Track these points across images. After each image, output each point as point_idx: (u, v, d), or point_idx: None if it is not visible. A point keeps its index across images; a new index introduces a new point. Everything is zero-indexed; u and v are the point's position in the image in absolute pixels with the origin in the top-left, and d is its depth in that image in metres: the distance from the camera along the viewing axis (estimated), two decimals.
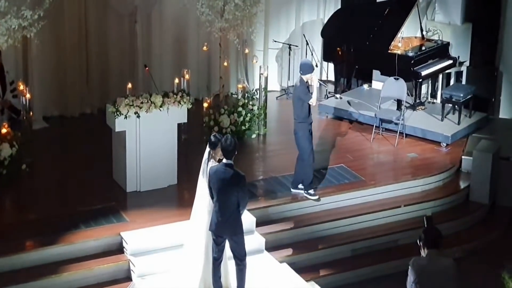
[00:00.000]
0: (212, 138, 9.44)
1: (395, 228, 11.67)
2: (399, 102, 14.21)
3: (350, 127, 14.19)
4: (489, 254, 11.74)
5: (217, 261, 9.42)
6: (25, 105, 11.96)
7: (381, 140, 13.76)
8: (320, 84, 11.31)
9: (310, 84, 11.29)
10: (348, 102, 14.56)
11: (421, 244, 7.51)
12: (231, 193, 9.11)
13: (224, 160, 9.17)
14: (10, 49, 12.15)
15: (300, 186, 11.72)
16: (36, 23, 11.58)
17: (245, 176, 9.21)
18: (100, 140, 12.52)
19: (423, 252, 7.51)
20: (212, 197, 9.30)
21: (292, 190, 11.75)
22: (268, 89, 14.06)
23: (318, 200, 11.64)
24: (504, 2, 14.70)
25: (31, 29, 11.60)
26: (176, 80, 12.84)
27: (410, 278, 7.48)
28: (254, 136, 13.64)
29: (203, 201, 9.52)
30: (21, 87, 12.06)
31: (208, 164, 9.38)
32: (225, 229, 9.25)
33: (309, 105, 11.32)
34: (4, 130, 11.70)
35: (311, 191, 11.66)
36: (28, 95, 11.93)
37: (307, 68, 11.35)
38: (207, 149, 9.44)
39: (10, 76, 12.72)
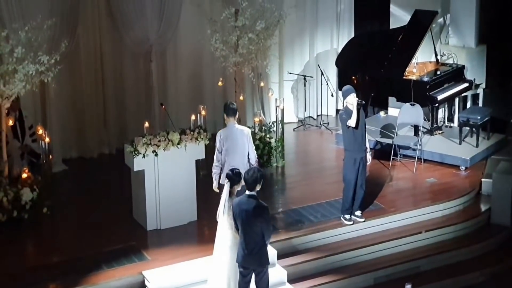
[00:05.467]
0: (230, 173, 9.50)
1: (417, 255, 11.63)
2: (416, 128, 14.22)
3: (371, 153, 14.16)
4: None
5: None
6: (45, 148, 12.10)
7: (399, 167, 13.76)
8: (359, 104, 11.33)
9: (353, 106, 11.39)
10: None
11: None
12: (254, 224, 9.18)
13: (247, 192, 9.25)
14: (28, 94, 12.28)
15: (358, 213, 11.85)
16: (53, 67, 11.72)
17: (268, 207, 9.28)
18: (119, 180, 12.66)
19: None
20: (237, 229, 9.36)
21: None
22: (285, 121, 14.12)
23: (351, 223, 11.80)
24: None
25: (48, 73, 11.71)
26: (193, 117, 12.92)
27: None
28: (274, 167, 13.69)
29: (224, 237, 9.58)
30: (40, 131, 12.21)
31: (228, 201, 9.42)
32: (251, 260, 9.31)
33: (357, 133, 11.42)
34: (24, 175, 11.85)
35: (347, 216, 11.77)
36: (47, 139, 12.06)
37: (344, 91, 11.54)
38: (226, 186, 9.49)
39: (29, 121, 12.87)
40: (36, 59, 11.51)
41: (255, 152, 11.07)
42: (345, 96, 11.49)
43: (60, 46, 11.99)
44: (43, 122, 13.44)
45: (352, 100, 11.37)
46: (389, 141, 14.06)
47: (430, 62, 15.04)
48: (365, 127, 11.74)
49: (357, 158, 11.57)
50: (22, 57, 11.38)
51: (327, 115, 16.52)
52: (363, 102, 11.63)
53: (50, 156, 12.36)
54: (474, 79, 14.91)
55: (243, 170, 10.10)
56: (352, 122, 11.35)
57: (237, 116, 10.97)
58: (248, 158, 10.90)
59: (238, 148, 10.77)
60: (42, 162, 12.24)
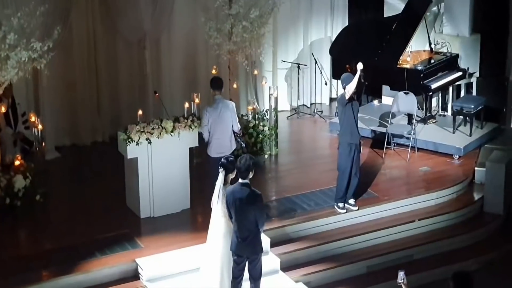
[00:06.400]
0: (225, 161, 9.48)
1: (410, 243, 11.65)
2: (410, 117, 14.22)
3: (361, 143, 14.16)
4: (506, 265, 11.70)
5: (236, 280, 9.48)
6: (37, 136, 12.06)
7: (393, 155, 13.76)
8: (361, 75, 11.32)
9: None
10: None
11: None
12: (248, 212, 9.17)
13: (240, 180, 9.24)
14: (20, 81, 12.22)
15: (351, 201, 11.83)
16: (46, 54, 11.68)
17: (262, 195, 9.28)
18: (112, 168, 12.62)
19: None
20: (231, 217, 9.35)
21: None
22: (278, 109, 14.11)
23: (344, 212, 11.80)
24: None
25: (41, 60, 11.70)
26: (186, 105, 12.88)
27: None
28: (266, 156, 13.67)
29: (217, 225, 9.57)
30: (33, 118, 12.16)
31: (222, 190, 9.41)
32: (245, 248, 9.31)
33: (351, 121, 11.43)
34: (17, 162, 11.80)
35: (340, 204, 11.76)
36: (40, 126, 12.03)
37: (344, 78, 11.50)
38: (221, 174, 9.47)
39: (22, 108, 12.82)
40: (29, 45, 11.47)
41: (239, 124, 11.74)
42: (346, 82, 11.39)
43: (53, 33, 11.93)
44: (36, 109, 13.40)
45: (358, 68, 11.30)
46: (382, 129, 14.06)
47: (424, 50, 15.03)
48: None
49: (352, 146, 11.54)
50: (14, 44, 11.35)
51: (321, 103, 16.48)
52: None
53: (43, 144, 12.33)
54: (468, 68, 14.91)
55: (228, 141, 11.40)
56: (351, 87, 11.23)
57: (222, 90, 11.67)
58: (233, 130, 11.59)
59: (223, 120, 11.45)
60: (35, 150, 12.21)
